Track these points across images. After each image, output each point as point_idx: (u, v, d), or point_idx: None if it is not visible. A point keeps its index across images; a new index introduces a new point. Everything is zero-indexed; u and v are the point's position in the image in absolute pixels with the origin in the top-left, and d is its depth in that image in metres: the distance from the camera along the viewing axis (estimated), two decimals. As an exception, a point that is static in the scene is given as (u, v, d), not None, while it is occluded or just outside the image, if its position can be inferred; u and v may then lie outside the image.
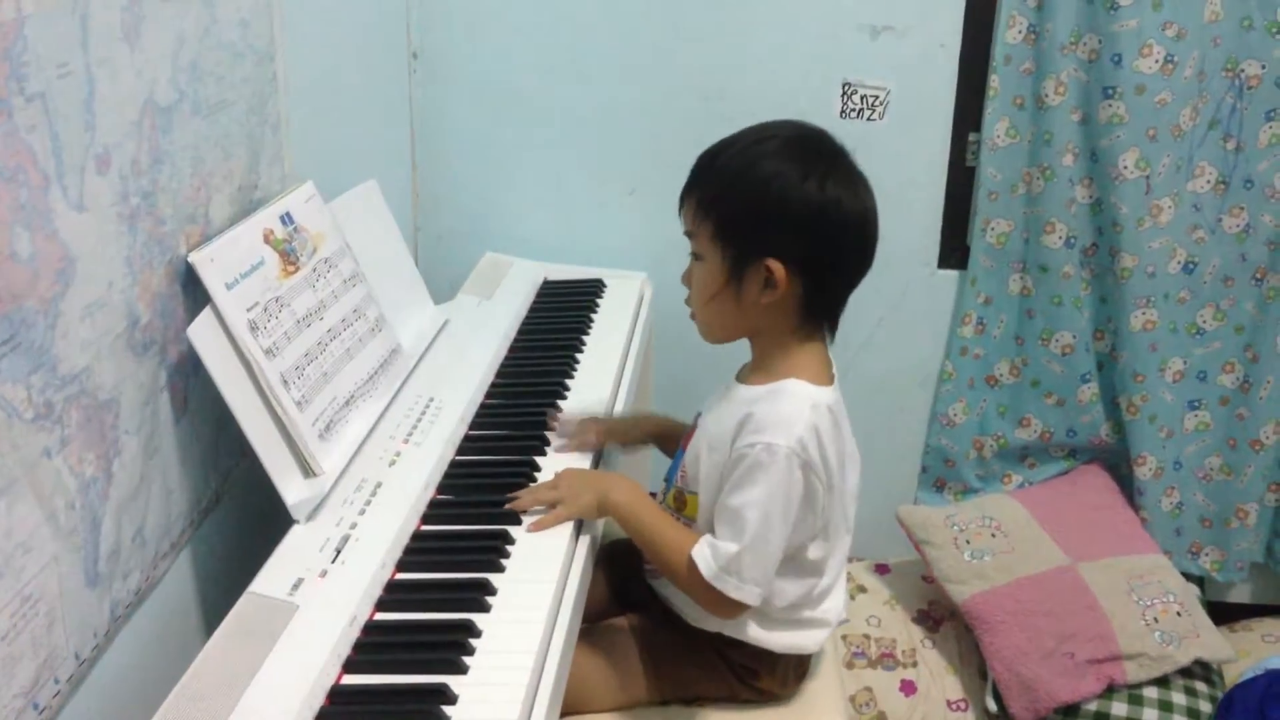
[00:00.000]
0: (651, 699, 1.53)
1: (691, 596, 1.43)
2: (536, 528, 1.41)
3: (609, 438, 1.64)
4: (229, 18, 1.46)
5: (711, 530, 1.41)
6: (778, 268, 1.35)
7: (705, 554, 1.37)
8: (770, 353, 1.43)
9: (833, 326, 1.45)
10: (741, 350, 1.50)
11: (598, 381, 1.82)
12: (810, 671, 1.59)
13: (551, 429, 1.64)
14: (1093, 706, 2.06)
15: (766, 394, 1.40)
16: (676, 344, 2.36)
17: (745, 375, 1.47)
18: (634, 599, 1.62)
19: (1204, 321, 2.36)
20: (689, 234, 1.43)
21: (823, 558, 1.46)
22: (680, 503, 1.49)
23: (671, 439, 1.66)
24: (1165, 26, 2.14)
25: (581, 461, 1.58)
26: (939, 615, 2.30)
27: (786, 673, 1.54)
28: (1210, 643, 2.15)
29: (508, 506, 1.43)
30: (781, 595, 1.45)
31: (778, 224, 1.35)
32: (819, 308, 1.41)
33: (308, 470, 1.43)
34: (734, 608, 1.40)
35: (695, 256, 1.43)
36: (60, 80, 1.09)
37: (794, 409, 1.37)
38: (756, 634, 1.47)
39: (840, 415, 1.43)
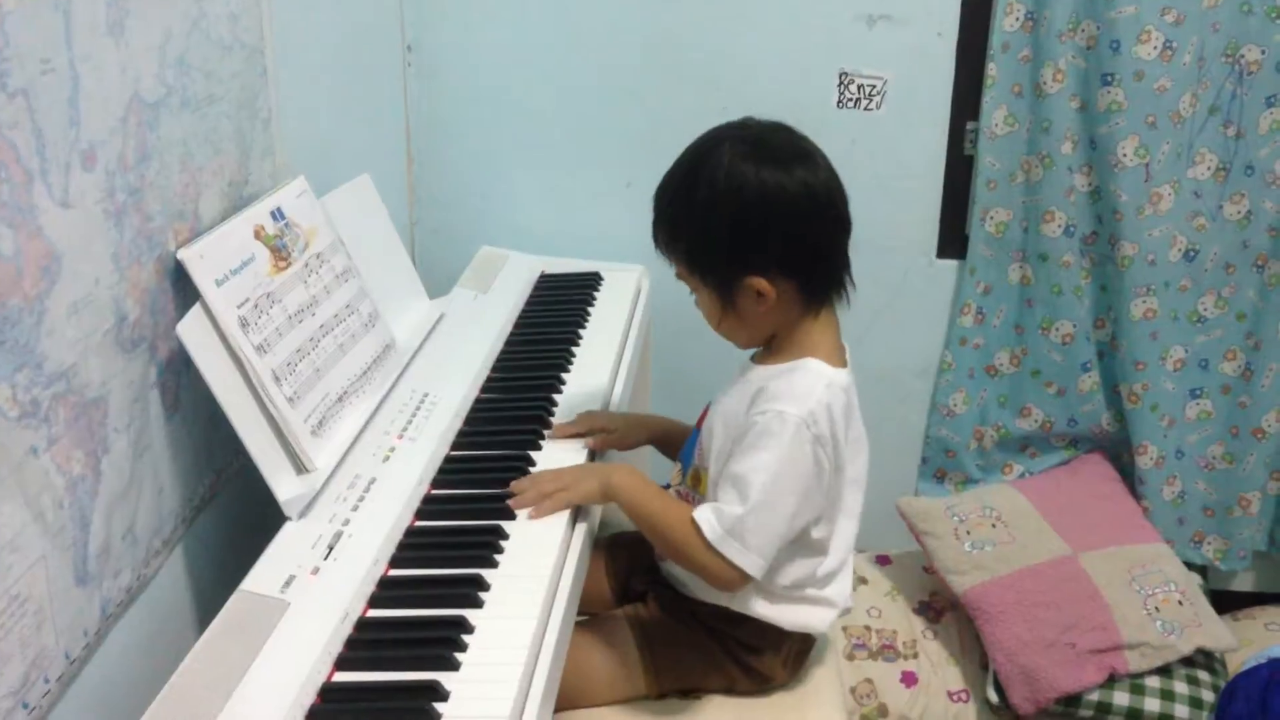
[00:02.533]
0: (650, 691, 1.53)
1: (692, 569, 1.42)
2: (538, 514, 1.40)
3: (607, 444, 1.62)
4: (217, 12, 1.45)
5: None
6: (758, 283, 1.36)
7: (709, 517, 1.36)
8: (786, 336, 1.43)
9: (840, 291, 1.43)
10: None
11: (595, 375, 1.81)
12: (810, 659, 1.59)
13: (548, 431, 1.63)
14: (1094, 696, 2.05)
15: (784, 370, 1.40)
16: (675, 336, 2.36)
17: (761, 357, 1.47)
18: (637, 594, 1.61)
19: (1205, 309, 2.35)
20: (677, 275, 1.44)
21: (825, 538, 1.46)
22: (696, 481, 1.48)
23: (674, 440, 1.66)
24: (1164, 12, 2.13)
25: (576, 456, 1.57)
26: (940, 606, 2.30)
27: (789, 653, 1.53)
28: (1212, 631, 2.14)
29: (510, 502, 1.42)
30: (785, 573, 1.44)
31: (736, 247, 1.36)
32: (819, 287, 1.40)
33: (300, 467, 1.43)
34: (735, 577, 1.37)
35: (692, 289, 1.44)
36: (43, 76, 1.08)
37: (809, 383, 1.37)
38: (763, 610, 1.46)
39: (852, 398, 1.43)
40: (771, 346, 1.46)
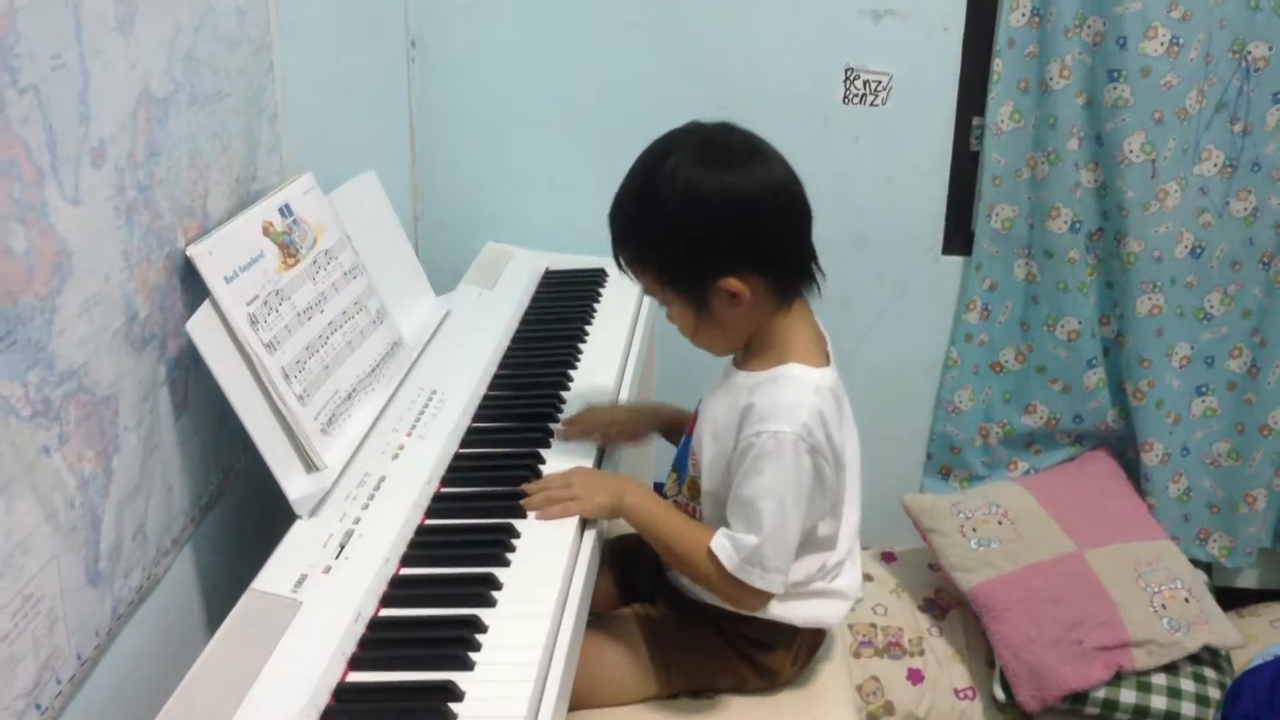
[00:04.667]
0: (660, 691, 1.52)
1: (714, 592, 1.43)
2: (544, 516, 1.39)
3: (616, 439, 1.61)
4: (225, 6, 1.44)
5: (722, 521, 1.40)
6: (731, 283, 1.34)
7: (725, 546, 1.37)
8: (764, 336, 1.42)
9: (810, 281, 1.41)
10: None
11: (601, 371, 1.81)
12: (819, 657, 1.58)
13: (555, 426, 1.62)
14: (1101, 694, 2.05)
15: (767, 380, 1.39)
16: (679, 332, 2.35)
17: (743, 360, 1.45)
18: (641, 595, 1.60)
19: (1211, 306, 2.35)
20: (645, 290, 1.43)
21: (832, 534, 1.46)
22: (694, 491, 1.48)
23: (678, 428, 1.65)
24: (1171, 8, 2.12)
25: (586, 455, 1.56)
26: (946, 603, 2.29)
27: (799, 649, 1.53)
28: (1219, 629, 2.14)
29: (522, 503, 1.41)
30: (795, 570, 1.43)
31: (705, 252, 1.34)
32: (790, 280, 1.39)
33: (310, 465, 1.42)
34: (758, 598, 1.40)
35: (662, 303, 1.43)
36: (54, 72, 1.07)
37: (797, 394, 1.36)
38: (777, 610, 1.46)
39: (840, 394, 1.43)
40: (751, 348, 1.44)
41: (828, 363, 1.42)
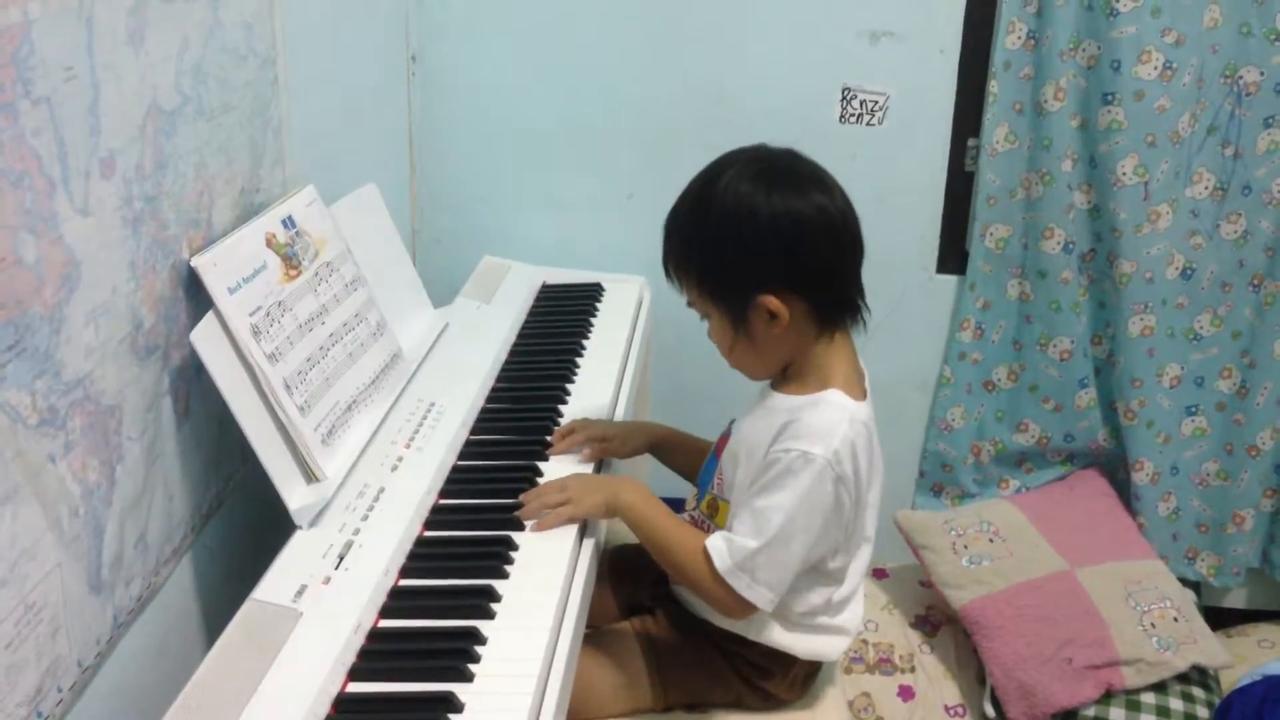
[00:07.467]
0: (656, 705, 1.53)
1: (699, 593, 1.43)
2: (541, 527, 1.40)
3: (606, 452, 1.62)
4: (232, 20, 1.46)
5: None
6: (771, 302, 1.36)
7: (720, 547, 1.37)
8: (804, 363, 1.43)
9: (854, 315, 1.43)
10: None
11: (599, 385, 1.82)
12: (818, 678, 1.59)
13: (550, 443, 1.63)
14: (1090, 712, 2.06)
15: (808, 404, 1.39)
16: (675, 347, 2.37)
17: (781, 384, 1.46)
18: (641, 607, 1.61)
19: (1201, 327, 2.37)
20: (689, 303, 1.44)
21: (842, 567, 1.46)
22: (713, 509, 1.48)
23: (670, 448, 1.66)
24: (1164, 33, 2.15)
25: (584, 465, 1.57)
26: (937, 620, 2.30)
27: (798, 676, 1.54)
28: (1208, 648, 2.15)
29: (517, 514, 1.42)
30: (801, 600, 1.45)
31: (749, 264, 1.36)
32: (831, 312, 1.40)
33: (310, 476, 1.42)
34: (742, 607, 1.39)
35: (703, 316, 1.44)
36: (66, 84, 1.08)
37: (834, 421, 1.37)
38: (779, 637, 1.47)
39: (873, 431, 1.43)
40: (790, 374, 1.45)
41: (864, 397, 1.43)
